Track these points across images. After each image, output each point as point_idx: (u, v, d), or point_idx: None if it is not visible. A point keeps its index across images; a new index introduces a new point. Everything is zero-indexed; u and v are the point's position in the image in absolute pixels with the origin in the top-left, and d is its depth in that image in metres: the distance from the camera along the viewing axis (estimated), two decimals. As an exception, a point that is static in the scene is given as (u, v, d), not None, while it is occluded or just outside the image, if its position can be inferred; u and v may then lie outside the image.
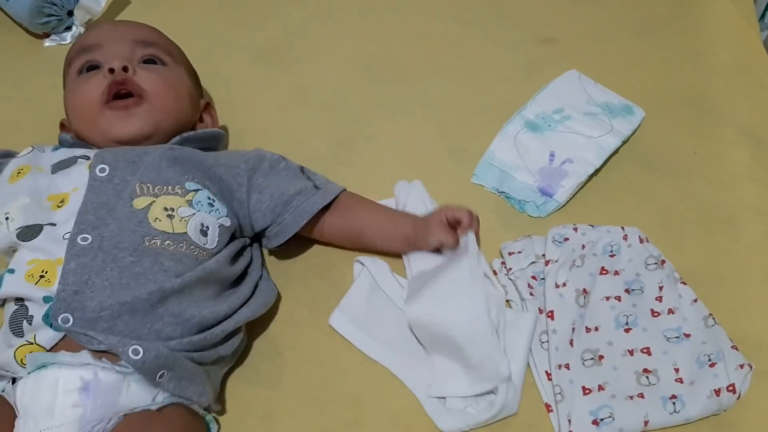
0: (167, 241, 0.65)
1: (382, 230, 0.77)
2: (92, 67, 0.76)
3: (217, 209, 0.70)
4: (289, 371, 0.71)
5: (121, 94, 0.74)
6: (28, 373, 0.59)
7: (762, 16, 1.27)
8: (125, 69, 0.74)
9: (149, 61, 0.77)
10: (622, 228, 0.80)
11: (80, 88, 0.75)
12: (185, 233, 0.66)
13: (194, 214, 0.67)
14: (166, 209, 0.66)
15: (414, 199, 0.82)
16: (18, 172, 0.72)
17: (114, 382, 0.59)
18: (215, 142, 0.82)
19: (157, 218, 0.65)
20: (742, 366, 0.70)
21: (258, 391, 0.70)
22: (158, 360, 0.60)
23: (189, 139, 0.76)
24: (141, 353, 0.59)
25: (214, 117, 0.87)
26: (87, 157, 0.71)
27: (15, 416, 0.59)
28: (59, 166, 0.71)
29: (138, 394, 0.60)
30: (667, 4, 1.16)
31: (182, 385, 0.61)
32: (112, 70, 0.73)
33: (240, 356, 0.72)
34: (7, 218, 0.68)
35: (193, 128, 0.81)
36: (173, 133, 0.76)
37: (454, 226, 0.74)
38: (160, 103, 0.75)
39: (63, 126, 0.82)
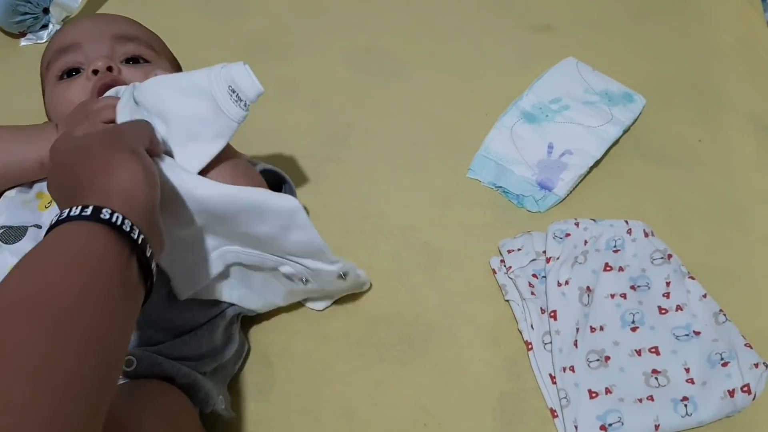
0: None
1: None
2: (73, 70, 0.71)
3: None
4: (280, 381, 0.68)
5: None
6: None
7: (765, -3, 1.23)
8: (110, 69, 0.69)
9: (132, 59, 0.73)
10: (626, 221, 0.76)
11: (64, 94, 0.69)
12: None
13: None
14: None
15: None
16: None
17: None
18: None
19: None
20: (756, 365, 0.66)
21: (248, 404, 0.67)
22: (153, 368, 0.58)
23: None
24: (135, 364, 0.57)
25: None
26: None
27: None
28: None
29: None
30: (667, -15, 1.13)
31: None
32: (95, 72, 0.68)
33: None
34: None
35: None
36: None
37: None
38: None
39: None
